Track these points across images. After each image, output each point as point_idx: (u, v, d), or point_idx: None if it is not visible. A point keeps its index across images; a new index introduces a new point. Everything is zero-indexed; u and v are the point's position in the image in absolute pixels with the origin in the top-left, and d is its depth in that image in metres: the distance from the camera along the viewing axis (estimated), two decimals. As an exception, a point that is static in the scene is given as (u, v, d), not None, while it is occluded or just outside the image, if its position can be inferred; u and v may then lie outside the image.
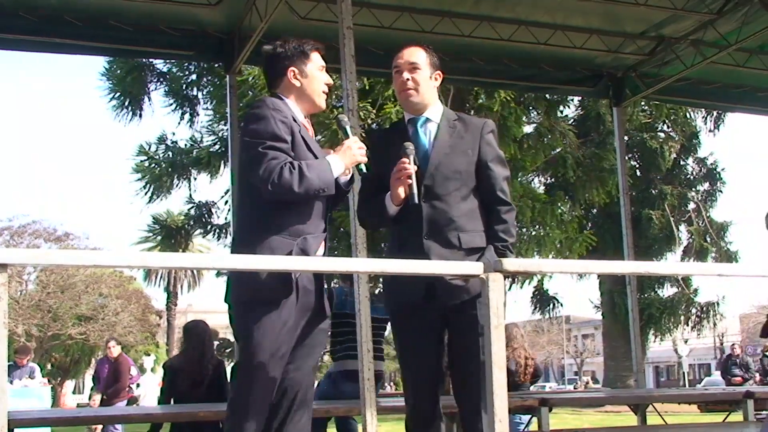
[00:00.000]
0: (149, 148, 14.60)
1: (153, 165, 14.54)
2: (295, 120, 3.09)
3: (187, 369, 6.10)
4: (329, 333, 4.52)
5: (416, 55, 3.33)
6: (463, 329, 3.13)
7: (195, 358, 6.12)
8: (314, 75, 3.18)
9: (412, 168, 3.15)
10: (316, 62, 3.20)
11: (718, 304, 19.06)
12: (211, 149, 14.48)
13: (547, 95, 13.77)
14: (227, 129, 11.41)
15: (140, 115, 13.57)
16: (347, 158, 3.07)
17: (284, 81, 3.17)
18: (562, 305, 18.61)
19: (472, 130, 3.33)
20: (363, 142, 3.19)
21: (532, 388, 8.15)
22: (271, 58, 3.20)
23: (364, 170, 3.15)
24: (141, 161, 14.53)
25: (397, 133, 3.36)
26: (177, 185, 14.97)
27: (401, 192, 3.16)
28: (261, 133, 2.97)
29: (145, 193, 14.72)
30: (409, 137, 3.28)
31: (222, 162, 14.27)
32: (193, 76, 14.29)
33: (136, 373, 11.39)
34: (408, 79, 3.30)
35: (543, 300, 18.36)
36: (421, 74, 3.30)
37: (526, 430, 6.93)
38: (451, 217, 3.21)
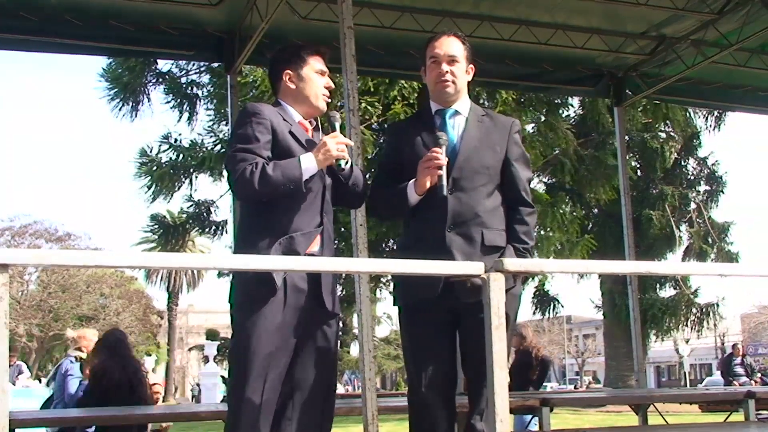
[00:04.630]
0: (150, 150, 14.58)
1: (155, 167, 14.52)
2: (285, 119, 3.12)
3: (111, 373, 6.09)
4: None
5: (455, 47, 3.27)
6: (474, 329, 2.98)
7: (118, 365, 6.12)
8: (310, 78, 3.19)
9: (443, 159, 3.10)
10: (313, 66, 3.21)
11: (717, 305, 19.06)
12: (212, 150, 14.47)
13: (548, 95, 13.76)
14: (228, 129, 11.41)
15: (138, 114, 13.58)
16: (321, 154, 3.05)
17: (281, 84, 3.23)
18: (562, 306, 18.62)
19: (500, 127, 3.30)
20: (389, 132, 3.13)
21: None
22: (271, 62, 3.28)
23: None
24: (143, 163, 14.50)
25: (422, 123, 3.30)
26: (179, 187, 14.96)
27: (428, 182, 3.12)
28: (235, 138, 3.11)
29: (150, 197, 14.71)
30: (436, 128, 3.24)
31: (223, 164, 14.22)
32: (194, 76, 14.30)
33: None
34: (447, 72, 3.24)
35: (543, 300, 18.36)
36: (459, 67, 3.27)
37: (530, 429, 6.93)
38: (477, 212, 3.16)
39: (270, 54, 3.32)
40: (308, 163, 3.03)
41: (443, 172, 3.09)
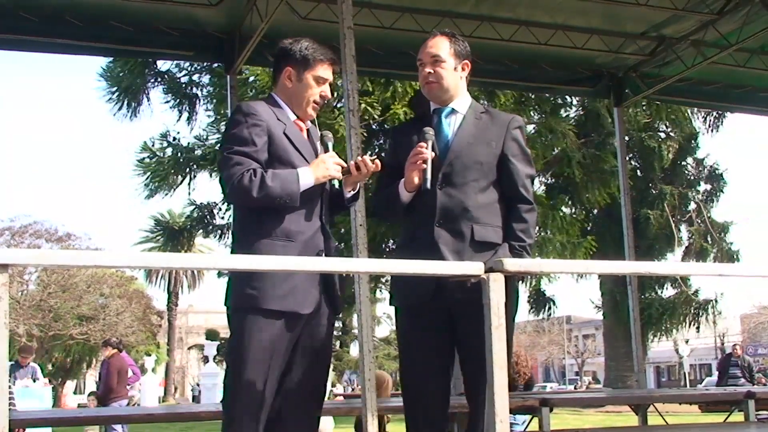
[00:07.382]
0: (152, 145, 14.58)
1: (156, 162, 14.51)
2: (279, 119, 3.09)
3: None
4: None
5: (438, 46, 3.26)
6: (470, 328, 3.01)
7: None
8: (308, 83, 3.15)
9: (428, 153, 3.10)
10: (317, 72, 3.16)
11: (716, 301, 19.06)
12: (214, 147, 14.45)
13: (547, 95, 13.75)
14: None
15: (138, 114, 13.58)
16: (319, 171, 3.05)
17: (280, 78, 3.19)
18: (556, 306, 18.59)
19: (498, 123, 3.28)
20: (390, 135, 3.17)
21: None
22: (279, 51, 3.22)
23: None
24: (144, 158, 14.49)
25: (422, 123, 3.30)
26: (179, 183, 14.93)
27: (415, 177, 3.12)
28: (229, 138, 3.04)
29: (149, 192, 14.68)
30: (432, 127, 3.24)
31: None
32: (194, 76, 14.28)
33: (132, 374, 11.34)
34: (430, 73, 3.25)
35: (539, 301, 18.33)
36: (444, 66, 3.24)
37: (524, 430, 6.92)
38: (466, 207, 3.14)
39: (283, 42, 3.23)
40: (306, 179, 3.02)
41: (427, 166, 3.10)
